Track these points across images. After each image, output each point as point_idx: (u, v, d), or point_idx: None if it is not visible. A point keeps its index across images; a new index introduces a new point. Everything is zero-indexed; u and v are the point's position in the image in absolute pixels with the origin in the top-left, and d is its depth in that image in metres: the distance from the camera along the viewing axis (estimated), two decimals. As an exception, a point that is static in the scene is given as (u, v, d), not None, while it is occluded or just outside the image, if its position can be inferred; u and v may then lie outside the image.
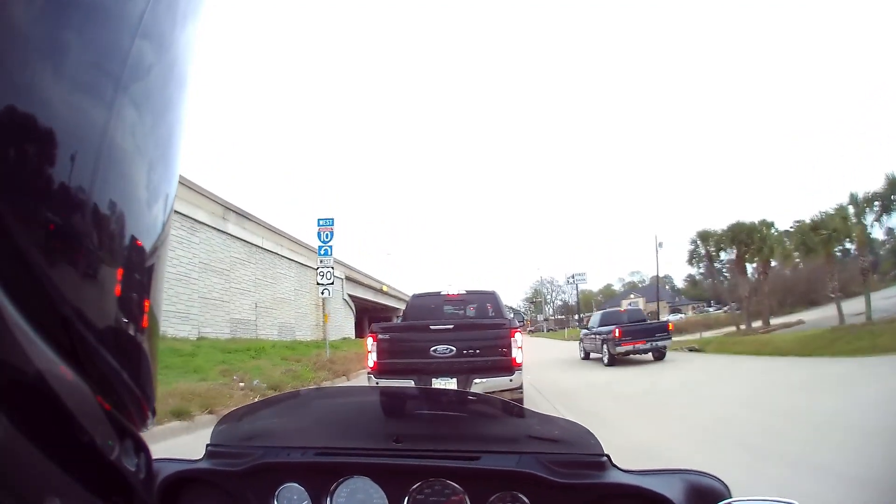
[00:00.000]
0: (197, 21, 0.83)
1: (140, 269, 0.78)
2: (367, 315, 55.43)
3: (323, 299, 26.96)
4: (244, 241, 30.89)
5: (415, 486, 1.79)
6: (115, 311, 0.73)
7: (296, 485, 1.86)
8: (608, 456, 1.75)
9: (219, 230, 28.35)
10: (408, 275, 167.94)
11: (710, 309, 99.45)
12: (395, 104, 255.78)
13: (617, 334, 24.18)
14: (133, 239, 0.74)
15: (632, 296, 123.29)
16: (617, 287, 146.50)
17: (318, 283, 25.55)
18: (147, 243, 0.78)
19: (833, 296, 32.28)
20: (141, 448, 0.81)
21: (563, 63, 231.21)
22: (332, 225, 25.82)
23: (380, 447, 1.93)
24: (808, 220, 34.75)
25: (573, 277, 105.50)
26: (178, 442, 9.18)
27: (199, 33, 0.84)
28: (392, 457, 1.88)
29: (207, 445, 1.99)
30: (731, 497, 1.59)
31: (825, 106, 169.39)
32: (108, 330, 0.71)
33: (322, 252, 25.79)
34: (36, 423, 0.61)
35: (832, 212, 32.98)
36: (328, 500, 1.83)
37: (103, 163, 0.67)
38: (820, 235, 32.30)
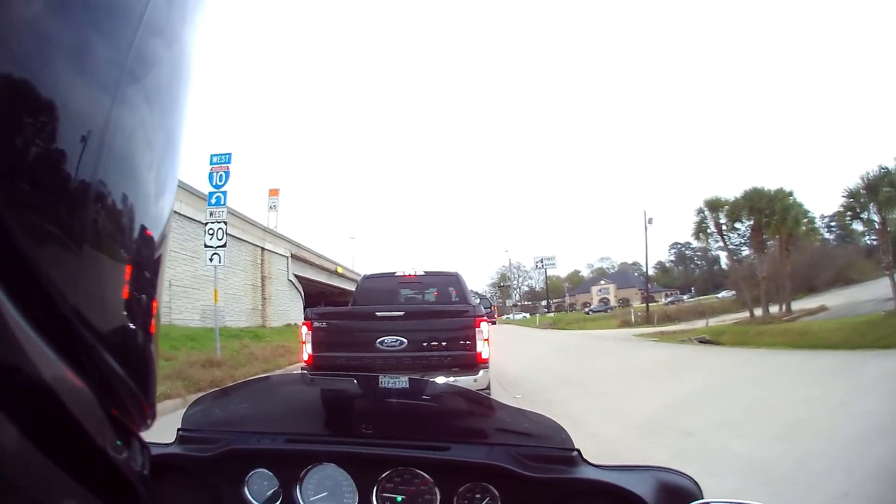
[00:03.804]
0: (202, 14, 0.84)
1: (145, 265, 0.78)
2: (324, 300, 51.76)
3: (216, 274, 20.51)
4: (153, 202, 24.82)
5: (384, 475, 1.83)
6: (117, 311, 0.73)
7: (266, 471, 1.89)
8: (579, 451, 1.78)
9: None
10: (372, 259, 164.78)
11: (685, 297, 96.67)
12: (355, 78, 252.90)
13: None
14: (138, 235, 0.75)
15: (602, 282, 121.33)
16: (585, 273, 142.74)
17: (205, 245, 19.11)
18: (155, 238, 0.79)
19: (888, 272, 27.35)
20: (141, 448, 0.81)
21: (526, 32, 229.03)
22: (229, 163, 19.60)
23: (350, 435, 1.98)
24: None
25: (542, 261, 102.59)
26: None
27: (204, 25, 0.85)
28: (362, 445, 1.91)
29: (179, 430, 1.99)
30: (702, 497, 1.64)
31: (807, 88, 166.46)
32: (109, 329, 0.71)
33: (213, 201, 19.24)
34: (36, 424, 0.61)
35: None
36: (298, 486, 1.88)
37: (112, 158, 0.68)
38: (886, 193, 26.94)
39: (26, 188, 0.58)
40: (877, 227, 29.84)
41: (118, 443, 0.72)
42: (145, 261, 0.76)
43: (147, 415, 0.77)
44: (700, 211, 42.53)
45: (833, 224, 68.61)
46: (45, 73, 0.58)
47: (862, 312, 25.54)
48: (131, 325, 0.73)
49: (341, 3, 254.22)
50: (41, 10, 0.58)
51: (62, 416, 0.62)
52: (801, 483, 6.28)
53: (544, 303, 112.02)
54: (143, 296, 0.75)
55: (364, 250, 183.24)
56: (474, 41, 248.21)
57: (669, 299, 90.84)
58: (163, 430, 2.02)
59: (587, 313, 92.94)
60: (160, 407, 6.84)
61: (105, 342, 0.67)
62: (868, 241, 48.68)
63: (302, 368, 9.42)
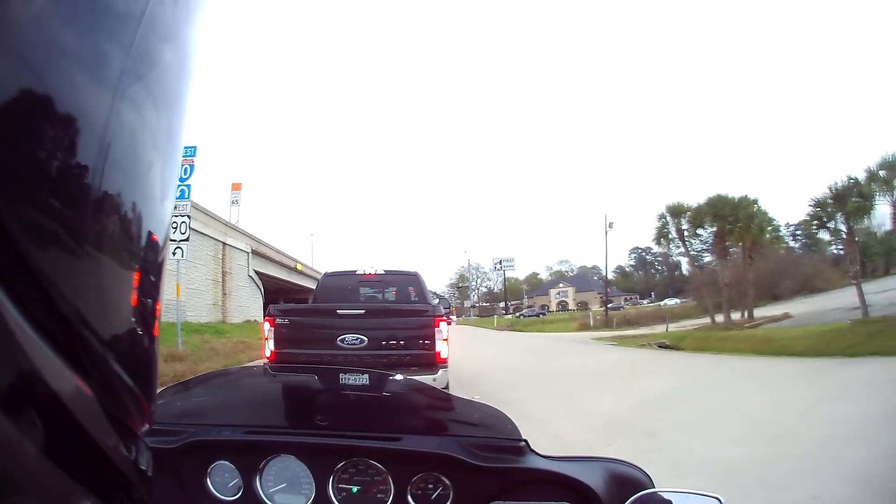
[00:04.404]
0: (203, 13, 0.84)
1: (151, 270, 0.78)
2: (284, 297, 50.01)
3: (178, 268, 21.25)
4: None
5: (339, 465, 1.86)
6: (122, 314, 0.74)
7: (227, 462, 1.91)
8: (526, 441, 1.85)
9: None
10: (332, 257, 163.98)
11: (644, 301, 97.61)
12: (317, 73, 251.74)
13: None
14: (145, 240, 0.76)
15: (561, 284, 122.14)
16: (543, 276, 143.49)
17: (169, 240, 18.67)
18: (160, 242, 0.80)
19: (854, 282, 28.06)
20: (141, 449, 0.82)
21: (486, 36, 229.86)
22: (194, 156, 19.78)
23: (308, 428, 2.04)
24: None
25: (500, 263, 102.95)
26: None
27: (204, 30, 0.86)
28: (317, 436, 1.95)
29: None
30: (653, 487, 1.69)
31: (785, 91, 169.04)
32: (113, 332, 0.71)
33: (177, 194, 18.33)
34: (37, 424, 0.62)
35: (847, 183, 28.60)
36: (258, 477, 1.90)
37: (118, 161, 0.68)
38: (855, 203, 27.32)
39: (28, 190, 0.58)
40: (844, 236, 30.34)
41: (119, 443, 0.72)
42: (151, 265, 0.76)
43: (148, 415, 0.78)
44: (662, 216, 42.78)
45: (799, 233, 70.02)
46: (47, 72, 0.58)
47: (828, 321, 25.64)
48: (135, 329, 0.74)
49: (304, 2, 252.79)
50: (42, 9, 0.57)
51: (63, 416, 0.62)
52: (770, 485, 6.34)
53: (502, 304, 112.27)
54: (149, 300, 0.75)
55: (324, 247, 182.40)
56: (435, 40, 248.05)
57: (629, 301, 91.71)
58: None
59: (518, 317, 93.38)
60: None
61: (108, 344, 0.67)
62: (834, 251, 49.70)
63: (264, 364, 8.76)
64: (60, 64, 0.59)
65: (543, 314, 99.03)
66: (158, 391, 1.99)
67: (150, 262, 0.76)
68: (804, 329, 25.21)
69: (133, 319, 0.73)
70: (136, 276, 0.73)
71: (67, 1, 0.61)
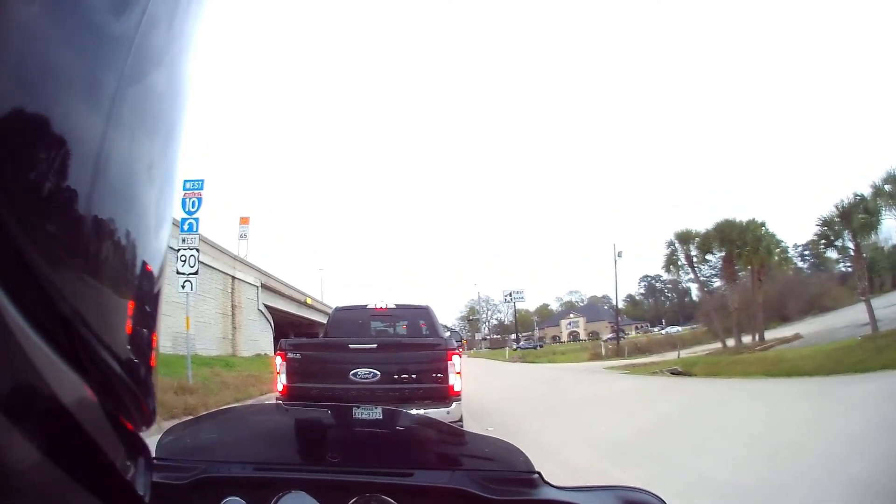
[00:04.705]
0: (194, 44, 0.86)
1: (141, 295, 0.80)
2: (294, 331, 51.22)
3: (188, 301, 20.41)
4: (121, 225, 24.37)
5: (352, 501, 1.80)
6: (117, 313, 0.76)
7: (238, 499, 1.85)
8: (539, 473, 1.79)
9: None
10: (341, 291, 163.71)
11: (654, 329, 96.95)
12: (325, 110, 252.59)
13: None
14: (140, 270, 0.77)
15: (571, 315, 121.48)
16: (554, 307, 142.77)
17: (177, 272, 18.87)
18: (153, 270, 0.81)
19: (863, 298, 28.02)
20: (141, 449, 0.86)
21: (500, 57, 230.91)
22: (202, 189, 19.60)
23: (317, 463, 2.05)
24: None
25: (510, 295, 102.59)
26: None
27: (198, 58, 0.88)
28: (329, 472, 1.94)
29: (153, 459, 1.60)
30: None
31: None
32: (110, 331, 0.73)
33: (186, 227, 19.05)
34: (37, 425, 0.63)
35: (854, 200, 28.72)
36: None
37: (113, 190, 0.71)
38: (861, 219, 27.37)
39: (26, 192, 0.59)
40: (852, 253, 30.41)
41: (119, 444, 0.74)
42: (146, 295, 0.79)
43: (147, 415, 0.81)
44: (671, 243, 43.16)
45: (807, 253, 69.63)
46: (42, 94, 0.59)
47: (837, 339, 25.80)
48: (128, 325, 0.75)
49: (309, 33, 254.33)
50: (36, 31, 0.58)
51: (64, 417, 0.64)
52: (776, 502, 6.43)
53: (514, 336, 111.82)
54: (145, 329, 0.78)
55: (333, 282, 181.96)
56: (444, 68, 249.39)
57: (640, 329, 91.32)
58: None
59: (516, 348, 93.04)
60: None
61: (105, 343, 0.69)
62: (842, 269, 49.53)
63: (276, 398, 9.49)
64: (53, 85, 0.61)
65: (540, 345, 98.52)
66: (168, 427, 2.22)
67: (144, 290, 0.79)
68: (814, 348, 25.36)
69: (126, 319, 0.76)
70: (130, 305, 0.76)
71: (61, 23, 0.62)
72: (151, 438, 1.99)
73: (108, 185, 0.68)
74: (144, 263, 0.76)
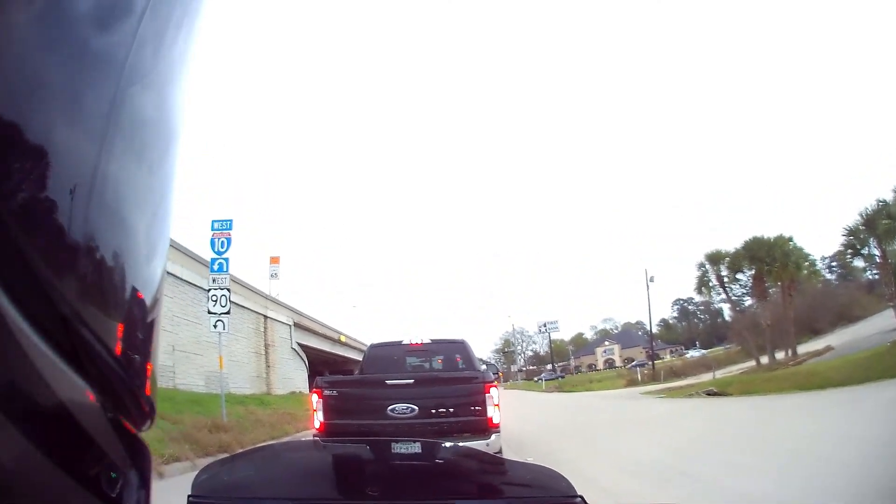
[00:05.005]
0: (184, 78, 0.87)
1: (132, 322, 0.80)
2: (328, 369, 49.84)
3: (220, 340, 20.39)
4: (156, 268, 24.57)
5: None
6: (117, 312, 0.76)
7: None
8: (581, 497, 1.79)
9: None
10: (374, 328, 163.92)
11: (689, 352, 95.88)
12: (354, 146, 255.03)
13: None
14: (129, 294, 0.77)
15: (606, 343, 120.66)
16: (589, 335, 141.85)
17: (209, 312, 19.19)
18: (146, 298, 0.82)
19: (891, 303, 27.98)
20: (141, 449, 0.84)
21: (522, 90, 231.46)
22: (231, 229, 19.61)
23: (356, 498, 2.07)
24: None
25: (545, 326, 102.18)
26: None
27: (186, 92, 0.87)
28: None
29: (189, 497, 1.90)
30: None
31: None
32: (110, 331, 0.74)
33: (216, 267, 19.34)
34: (37, 424, 0.63)
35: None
36: None
37: (101, 214, 0.71)
38: (885, 225, 27.23)
39: (25, 197, 0.61)
40: (878, 260, 30.14)
41: (119, 443, 0.75)
42: (138, 322, 0.80)
43: (147, 415, 0.81)
44: (701, 265, 43.16)
45: (834, 264, 68.61)
46: (33, 119, 0.61)
47: (867, 347, 25.52)
48: (128, 326, 0.77)
49: (336, 65, 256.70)
50: (31, 51, 0.61)
51: (63, 417, 0.65)
52: None
53: (549, 366, 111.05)
54: (136, 356, 0.79)
55: (367, 319, 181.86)
56: (470, 99, 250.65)
57: (674, 353, 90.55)
58: (173, 495, 2.17)
59: (537, 380, 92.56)
60: (168, 469, 6.92)
61: (105, 344, 0.71)
62: (869, 276, 48.76)
63: (313, 436, 9.41)
64: (46, 111, 0.63)
65: (561, 376, 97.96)
66: (203, 462, 2.51)
67: (135, 317, 0.80)
68: (844, 359, 25.22)
69: (126, 319, 0.78)
70: (129, 305, 0.77)
71: (54, 45, 0.64)
72: (187, 476, 2.22)
73: (108, 183, 0.70)
74: (135, 290, 0.77)
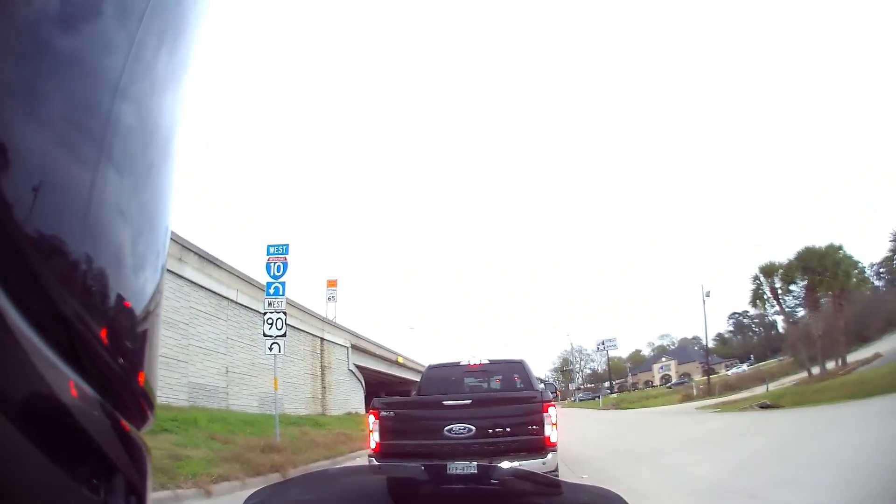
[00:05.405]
0: (179, 89, 0.86)
1: (118, 330, 0.77)
2: (385, 389, 51.00)
3: (275, 363, 20.31)
4: (209, 290, 25.92)
5: None
6: (116, 312, 0.76)
7: None
8: None
9: (172, 272, 22.39)
10: (431, 349, 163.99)
11: (744, 365, 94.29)
12: (408, 170, 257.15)
13: None
14: (115, 302, 0.76)
15: (663, 359, 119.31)
16: (646, 352, 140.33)
17: (264, 335, 19.50)
18: (135, 308, 0.80)
19: None
20: (141, 450, 0.82)
21: (582, 117, 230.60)
22: (287, 254, 19.98)
23: None
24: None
25: (603, 343, 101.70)
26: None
27: (182, 99, 0.87)
28: None
29: None
30: None
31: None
32: (109, 331, 0.73)
33: (272, 291, 19.69)
34: (37, 425, 0.62)
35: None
36: None
37: (85, 224, 0.69)
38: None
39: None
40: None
41: (119, 444, 0.75)
42: (126, 332, 0.79)
43: (147, 414, 0.82)
44: (755, 278, 42.69)
45: (882, 270, 67.07)
46: (33, 120, 0.62)
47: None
48: (128, 327, 0.79)
49: (345, 74, 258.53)
50: (28, 61, 0.61)
51: (63, 417, 0.65)
52: None
53: (607, 384, 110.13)
54: (126, 363, 0.78)
55: (424, 340, 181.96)
56: (541, 125, 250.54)
57: (728, 367, 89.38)
58: None
59: (574, 400, 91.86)
60: (216, 488, 7.73)
61: (104, 343, 0.71)
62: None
63: (369, 456, 9.56)
64: (35, 120, 0.63)
65: (597, 396, 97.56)
66: (254, 481, 2.96)
67: (135, 317, 0.79)
68: (892, 366, 24.85)
69: (126, 320, 0.78)
70: (112, 332, 0.74)
71: (52, 47, 0.64)
72: (235, 495, 2.59)
73: (108, 184, 0.71)
74: (121, 298, 0.76)
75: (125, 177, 0.76)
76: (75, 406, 0.65)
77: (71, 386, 0.65)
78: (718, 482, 10.54)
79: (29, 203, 0.60)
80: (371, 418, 9.56)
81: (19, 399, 0.59)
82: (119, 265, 0.76)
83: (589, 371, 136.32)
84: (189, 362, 23.72)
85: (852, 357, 37.43)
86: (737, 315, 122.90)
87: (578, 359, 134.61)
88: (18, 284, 0.58)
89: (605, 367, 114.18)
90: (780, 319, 54.88)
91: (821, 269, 36.38)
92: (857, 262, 36.90)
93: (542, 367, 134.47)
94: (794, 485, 9.25)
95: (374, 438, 9.34)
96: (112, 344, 0.72)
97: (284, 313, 19.58)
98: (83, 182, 0.67)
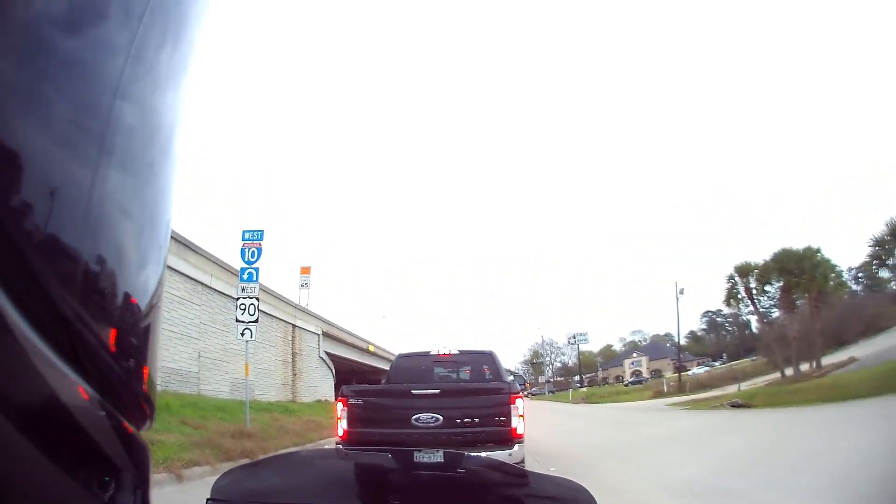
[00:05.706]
0: (179, 88, 0.87)
1: (124, 326, 0.79)
2: (356, 378, 49.96)
3: (247, 348, 20.32)
4: (185, 275, 25.31)
5: None
6: (118, 312, 0.77)
7: None
8: None
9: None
10: (403, 338, 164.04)
11: (716, 363, 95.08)
12: (386, 158, 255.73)
13: None
14: (112, 297, 0.76)
15: (634, 354, 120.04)
16: (617, 347, 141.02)
17: (237, 320, 19.39)
18: (140, 304, 0.81)
19: None
20: (141, 450, 0.83)
21: (550, 102, 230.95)
22: (262, 240, 19.84)
23: None
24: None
25: (574, 337, 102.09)
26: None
27: (182, 101, 0.88)
28: None
29: (208, 500, 1.93)
30: None
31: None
32: (109, 331, 0.74)
33: (246, 276, 19.56)
34: (37, 425, 0.63)
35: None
36: None
37: (87, 223, 0.70)
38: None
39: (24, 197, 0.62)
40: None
41: (119, 444, 0.75)
42: (131, 327, 0.80)
43: (147, 414, 0.82)
44: (730, 277, 42.87)
45: (861, 275, 67.74)
46: (34, 120, 0.62)
47: (892, 358, 25.26)
48: (127, 328, 0.79)
49: (344, 73, 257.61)
50: (29, 61, 0.62)
51: (63, 417, 0.66)
52: None
53: (577, 378, 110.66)
54: (131, 361, 0.80)
55: (396, 329, 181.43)
56: (511, 114, 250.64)
57: (701, 365, 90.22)
58: (191, 498, 2.42)
59: (544, 393, 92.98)
60: (188, 473, 7.41)
61: (104, 343, 0.72)
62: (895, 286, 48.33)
63: (337, 443, 9.62)
64: (37, 120, 0.63)
65: (553, 391, 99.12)
66: (225, 467, 2.61)
67: (135, 317, 0.80)
68: (869, 370, 25.13)
69: (125, 320, 0.78)
70: (112, 333, 0.75)
71: (52, 48, 0.65)
72: (206, 480, 2.47)
73: (108, 184, 0.72)
74: (127, 295, 0.77)
75: (126, 176, 0.77)
76: (76, 406, 0.67)
77: (72, 386, 0.66)
78: (693, 481, 10.64)
79: (30, 203, 0.62)
80: (339, 406, 9.59)
81: (20, 400, 0.60)
82: (120, 264, 0.76)
83: (559, 364, 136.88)
84: (163, 347, 22.77)
85: (827, 360, 37.45)
86: (710, 313, 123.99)
87: (549, 352, 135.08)
88: (19, 284, 0.59)
89: (575, 360, 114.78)
90: (754, 319, 55.12)
91: (798, 270, 36.58)
92: (834, 266, 37.19)
93: (512, 360, 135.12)
94: (773, 486, 9.35)
95: (343, 426, 9.37)
96: (113, 344, 0.74)
97: (257, 299, 19.50)
98: (84, 181, 0.69)
